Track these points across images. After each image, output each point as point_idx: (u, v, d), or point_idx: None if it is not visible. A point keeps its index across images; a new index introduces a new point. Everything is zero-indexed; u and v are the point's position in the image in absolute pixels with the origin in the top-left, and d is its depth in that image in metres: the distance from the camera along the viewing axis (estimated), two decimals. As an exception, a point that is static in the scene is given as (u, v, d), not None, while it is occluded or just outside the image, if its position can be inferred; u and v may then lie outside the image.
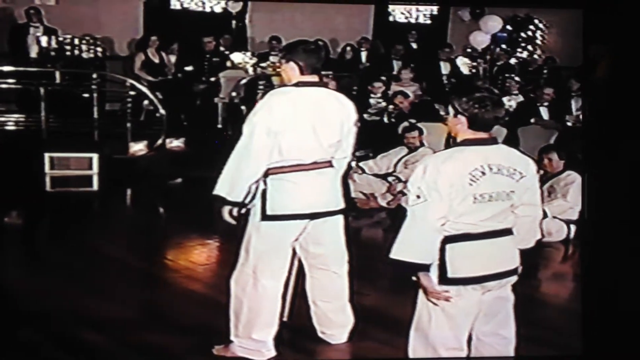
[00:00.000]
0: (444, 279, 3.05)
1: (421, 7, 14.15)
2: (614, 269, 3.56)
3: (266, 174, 3.53)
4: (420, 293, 3.16)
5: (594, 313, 3.60)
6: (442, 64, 11.82)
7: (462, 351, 3.19)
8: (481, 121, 2.98)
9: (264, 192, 3.53)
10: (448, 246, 3.02)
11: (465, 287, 3.07)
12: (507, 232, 3.12)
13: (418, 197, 2.98)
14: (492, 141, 3.07)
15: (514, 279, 3.29)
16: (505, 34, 13.22)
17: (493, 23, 12.07)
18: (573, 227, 6.50)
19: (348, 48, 12.03)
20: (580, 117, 8.95)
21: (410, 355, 3.29)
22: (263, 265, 3.61)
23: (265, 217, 3.57)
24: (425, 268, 3.05)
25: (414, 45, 12.49)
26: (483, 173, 2.95)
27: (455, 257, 3.03)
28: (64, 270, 5.22)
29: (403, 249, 3.06)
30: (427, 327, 3.17)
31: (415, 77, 10.61)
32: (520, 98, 9.56)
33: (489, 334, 3.32)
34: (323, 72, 9.67)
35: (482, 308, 3.19)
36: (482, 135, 3.02)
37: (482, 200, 2.96)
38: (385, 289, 4.94)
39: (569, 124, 8.97)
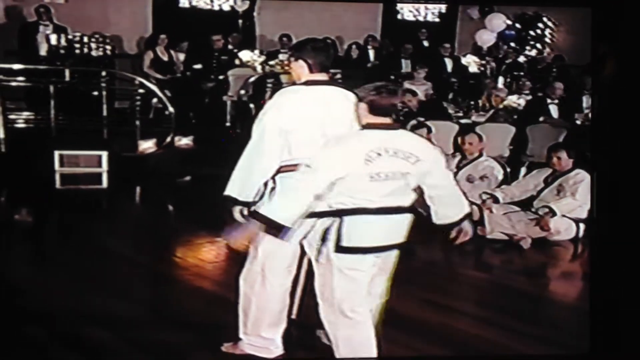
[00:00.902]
0: (338, 247, 3.29)
1: (430, 5, 14.13)
2: (622, 268, 3.55)
3: (276, 172, 3.54)
4: (323, 267, 3.39)
5: (602, 312, 3.59)
6: (446, 60, 11.81)
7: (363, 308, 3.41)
8: (378, 107, 3.25)
9: (272, 190, 3.54)
10: (346, 218, 3.28)
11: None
12: (402, 209, 3.37)
13: (308, 166, 3.24)
14: (394, 127, 3.33)
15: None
16: (512, 32, 13.19)
17: (498, 21, 12.05)
18: (582, 226, 6.48)
19: (354, 46, 12.04)
20: (590, 115, 8.94)
21: (324, 321, 3.44)
22: (271, 263, 3.62)
23: None
24: (281, 230, 3.25)
25: (426, 43, 12.47)
26: (379, 154, 3.22)
27: (351, 228, 3.27)
28: (73, 267, 5.24)
29: (275, 209, 3.26)
30: (331, 294, 3.36)
31: (428, 75, 10.60)
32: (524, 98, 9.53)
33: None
34: (332, 71, 9.66)
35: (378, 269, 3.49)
36: (383, 120, 3.28)
37: (378, 178, 3.22)
38: (394, 287, 4.93)
39: (578, 122, 8.95)
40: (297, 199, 3.24)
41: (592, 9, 3.73)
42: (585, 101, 9.56)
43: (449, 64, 11.80)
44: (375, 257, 3.41)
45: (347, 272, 3.33)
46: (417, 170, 3.32)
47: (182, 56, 10.93)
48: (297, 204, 3.23)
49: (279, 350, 3.74)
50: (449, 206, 3.54)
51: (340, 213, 3.29)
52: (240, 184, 3.51)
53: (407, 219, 3.42)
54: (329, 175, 3.20)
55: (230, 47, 11.17)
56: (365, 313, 3.42)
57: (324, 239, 3.36)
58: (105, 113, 8.83)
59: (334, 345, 3.44)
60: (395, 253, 3.52)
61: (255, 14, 12.49)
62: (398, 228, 3.41)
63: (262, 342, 3.70)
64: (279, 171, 3.53)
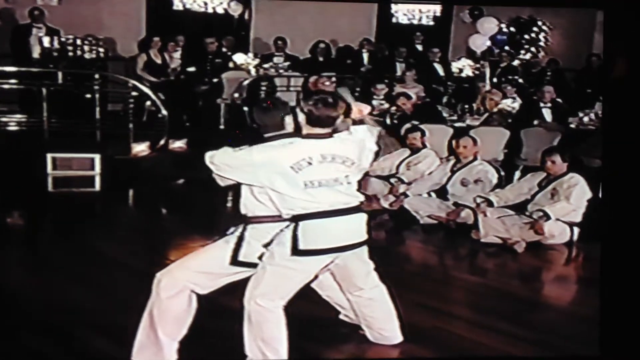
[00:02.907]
0: (295, 251, 3.42)
1: (424, 9, 14.14)
2: (632, 272, 3.54)
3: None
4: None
5: (611, 315, 3.58)
6: (436, 65, 11.82)
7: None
8: (315, 118, 3.45)
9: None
10: (300, 223, 3.42)
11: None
12: (355, 209, 3.55)
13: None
14: (327, 136, 3.51)
15: (364, 249, 3.75)
16: (504, 37, 13.19)
17: (489, 25, 12.01)
18: (576, 230, 6.48)
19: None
20: (584, 119, 8.96)
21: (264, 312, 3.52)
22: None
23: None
24: None
25: (420, 47, 12.48)
26: (309, 163, 3.40)
27: (307, 231, 3.42)
28: (65, 271, 5.21)
29: None
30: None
31: (419, 78, 10.61)
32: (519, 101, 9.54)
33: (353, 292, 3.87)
34: (325, 74, 9.68)
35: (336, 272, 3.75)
36: (320, 130, 3.48)
37: (312, 186, 3.40)
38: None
39: (572, 126, 8.95)
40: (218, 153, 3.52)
41: (604, 9, 3.75)
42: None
43: (439, 68, 11.81)
44: (330, 258, 3.56)
45: (290, 272, 3.49)
46: (355, 170, 3.57)
47: (177, 55, 10.90)
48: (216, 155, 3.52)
49: None
50: None
51: (293, 219, 3.45)
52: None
53: (362, 218, 3.60)
54: (244, 161, 3.41)
55: (224, 50, 11.17)
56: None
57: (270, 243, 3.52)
58: (98, 116, 8.81)
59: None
60: (361, 250, 3.69)
61: (248, 14, 12.49)
62: (355, 227, 3.58)
63: None
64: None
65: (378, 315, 3.94)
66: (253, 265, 3.55)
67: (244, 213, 3.60)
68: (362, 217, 3.61)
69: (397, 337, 4.01)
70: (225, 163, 3.47)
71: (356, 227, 3.58)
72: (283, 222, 3.51)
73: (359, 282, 3.84)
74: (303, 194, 3.41)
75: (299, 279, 3.56)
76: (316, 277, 3.77)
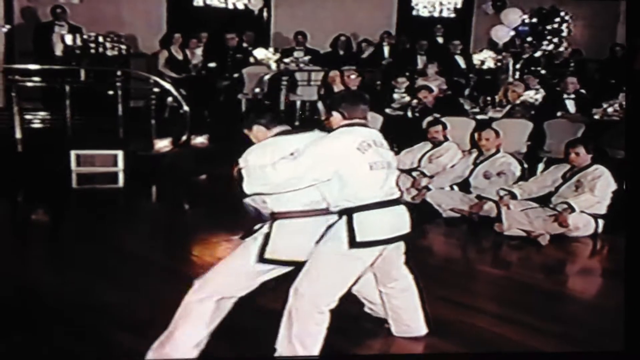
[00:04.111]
0: (353, 243, 3.43)
1: (444, 1, 14.07)
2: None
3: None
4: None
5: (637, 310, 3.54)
6: (457, 58, 11.74)
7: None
8: (352, 113, 3.59)
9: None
10: (354, 215, 3.44)
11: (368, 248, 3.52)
12: (398, 201, 3.62)
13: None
14: (367, 125, 3.67)
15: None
16: (527, 28, 13.09)
17: (514, 16, 11.93)
18: (601, 222, 6.41)
19: (364, 44, 12.04)
20: (608, 110, 8.86)
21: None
22: None
23: None
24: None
25: (440, 40, 12.41)
26: (369, 145, 3.50)
27: (361, 223, 3.44)
28: (89, 267, 5.24)
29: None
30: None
31: (441, 71, 10.55)
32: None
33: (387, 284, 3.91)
34: (345, 68, 9.65)
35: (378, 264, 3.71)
36: (359, 120, 3.61)
37: (376, 167, 3.49)
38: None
39: (596, 117, 8.86)
40: (265, 177, 3.39)
41: (627, 1, 3.71)
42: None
43: (460, 60, 11.73)
44: (380, 249, 3.59)
45: (346, 265, 3.52)
46: (395, 160, 3.70)
47: (198, 51, 10.95)
48: (264, 180, 3.40)
49: None
50: None
51: (344, 212, 3.47)
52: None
53: (405, 210, 3.66)
54: (307, 165, 3.37)
55: (244, 45, 11.19)
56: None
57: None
58: (120, 112, 8.87)
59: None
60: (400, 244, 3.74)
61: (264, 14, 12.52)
62: (403, 219, 3.64)
63: None
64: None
65: (408, 306, 3.96)
66: (281, 263, 3.53)
67: (271, 209, 3.56)
68: (405, 209, 3.67)
69: (423, 329, 4.02)
70: (293, 176, 3.40)
71: (403, 218, 3.64)
72: (313, 217, 3.51)
73: (395, 273, 3.88)
74: (368, 177, 3.46)
75: (356, 271, 3.58)
76: None
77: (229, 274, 3.59)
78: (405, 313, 3.98)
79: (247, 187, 3.45)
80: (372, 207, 3.47)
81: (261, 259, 3.51)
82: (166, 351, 3.56)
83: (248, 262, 3.53)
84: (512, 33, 11.91)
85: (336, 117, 3.62)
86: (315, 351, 3.51)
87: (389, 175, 3.57)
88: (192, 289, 3.57)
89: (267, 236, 3.52)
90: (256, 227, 3.63)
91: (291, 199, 3.49)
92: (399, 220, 3.62)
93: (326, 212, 3.55)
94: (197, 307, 3.54)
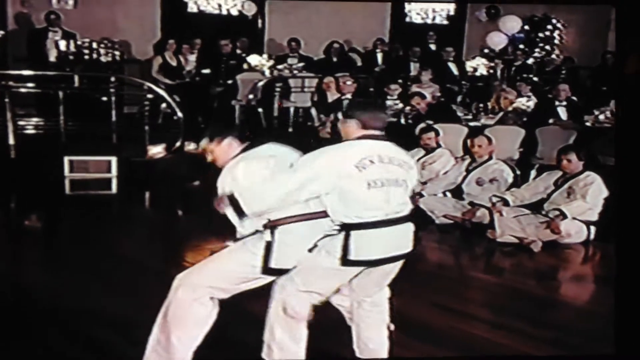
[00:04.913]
0: (345, 261, 3.30)
1: (438, 8, 14.12)
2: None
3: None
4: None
5: (628, 314, 3.56)
6: (450, 64, 11.78)
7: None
8: (371, 122, 3.41)
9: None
10: (352, 232, 3.29)
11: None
12: (404, 219, 3.43)
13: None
14: (384, 138, 3.45)
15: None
16: (522, 35, 13.17)
17: (512, 23, 12.00)
18: (593, 229, 6.45)
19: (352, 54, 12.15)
20: (599, 117, 8.91)
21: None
22: None
23: None
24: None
25: (433, 47, 12.46)
26: (372, 162, 3.30)
27: (359, 242, 3.28)
28: (83, 272, 5.25)
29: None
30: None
31: (434, 78, 10.59)
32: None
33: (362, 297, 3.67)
34: (339, 74, 9.64)
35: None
36: (374, 132, 3.40)
37: (375, 186, 3.29)
38: (403, 291, 4.92)
39: (588, 124, 8.90)
40: (264, 192, 3.30)
41: (616, 5, 3.72)
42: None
43: (452, 67, 11.77)
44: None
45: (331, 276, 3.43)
46: (410, 177, 3.46)
47: (192, 57, 10.96)
48: (263, 196, 3.30)
49: None
50: None
51: (344, 227, 3.31)
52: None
53: (410, 228, 3.47)
54: (306, 176, 3.25)
55: (238, 51, 11.21)
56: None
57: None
58: (114, 118, 8.88)
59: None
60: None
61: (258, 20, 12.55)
62: (404, 238, 3.45)
63: None
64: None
65: (372, 321, 3.71)
66: (286, 272, 3.41)
67: (267, 218, 3.39)
68: (411, 227, 3.49)
69: (383, 352, 3.75)
70: (294, 189, 3.27)
71: (405, 237, 3.46)
72: (317, 219, 3.38)
73: (373, 290, 3.65)
74: (366, 196, 3.27)
75: (342, 282, 3.50)
76: None
77: (220, 275, 3.49)
78: (369, 329, 3.71)
79: (247, 209, 3.32)
80: (371, 225, 3.30)
81: (267, 270, 3.39)
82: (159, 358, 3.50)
83: (243, 267, 3.45)
84: (506, 41, 11.97)
85: (352, 125, 3.41)
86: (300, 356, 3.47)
87: (393, 193, 3.34)
88: (178, 289, 3.47)
89: (269, 245, 3.38)
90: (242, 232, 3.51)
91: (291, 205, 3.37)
92: (401, 239, 3.44)
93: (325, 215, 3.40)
94: (194, 308, 3.45)
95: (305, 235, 3.39)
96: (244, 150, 3.52)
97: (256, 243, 3.43)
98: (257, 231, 3.44)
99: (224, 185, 3.45)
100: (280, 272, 3.41)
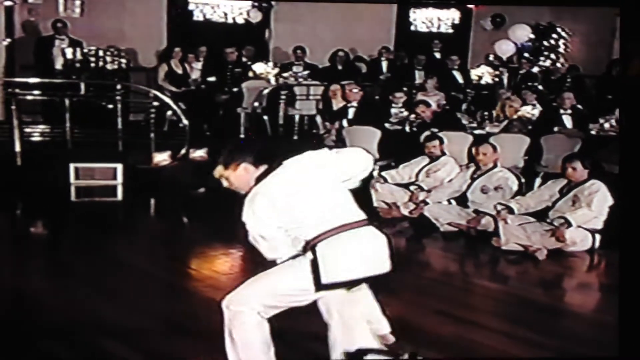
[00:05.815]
0: (320, 286, 3.14)
1: (443, 16, 14.15)
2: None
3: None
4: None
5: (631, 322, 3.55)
6: (455, 73, 11.78)
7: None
8: None
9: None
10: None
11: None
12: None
13: None
14: None
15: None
16: (530, 43, 13.19)
17: (522, 32, 12.00)
18: (598, 237, 6.44)
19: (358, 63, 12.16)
20: (604, 125, 8.90)
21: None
22: None
23: None
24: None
25: (438, 55, 12.48)
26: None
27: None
28: (88, 280, 5.26)
29: None
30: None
31: (440, 86, 10.61)
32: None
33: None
34: (345, 82, 9.67)
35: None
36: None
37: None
38: (408, 299, 4.92)
39: (593, 132, 8.90)
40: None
41: (621, 7, 3.70)
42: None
43: (457, 76, 11.78)
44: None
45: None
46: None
47: (198, 65, 11.01)
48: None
49: None
50: None
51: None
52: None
53: (383, 243, 3.25)
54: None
55: (244, 59, 11.24)
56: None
57: None
58: (120, 126, 8.91)
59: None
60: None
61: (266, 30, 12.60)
62: (378, 255, 3.24)
63: None
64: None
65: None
66: (340, 285, 3.21)
67: (304, 239, 3.23)
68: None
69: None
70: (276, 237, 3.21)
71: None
72: (352, 229, 3.21)
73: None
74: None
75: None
76: None
77: (270, 294, 3.27)
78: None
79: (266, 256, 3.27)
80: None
81: (320, 286, 3.16)
82: None
83: (291, 285, 3.26)
84: (514, 49, 11.98)
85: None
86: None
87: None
88: (237, 310, 3.29)
89: (314, 263, 3.16)
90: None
91: (320, 220, 3.20)
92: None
93: (365, 223, 3.27)
94: (258, 330, 3.27)
95: (346, 243, 3.18)
96: (260, 177, 3.30)
97: (301, 261, 3.23)
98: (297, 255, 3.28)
99: (247, 219, 3.25)
100: (334, 286, 3.21)
